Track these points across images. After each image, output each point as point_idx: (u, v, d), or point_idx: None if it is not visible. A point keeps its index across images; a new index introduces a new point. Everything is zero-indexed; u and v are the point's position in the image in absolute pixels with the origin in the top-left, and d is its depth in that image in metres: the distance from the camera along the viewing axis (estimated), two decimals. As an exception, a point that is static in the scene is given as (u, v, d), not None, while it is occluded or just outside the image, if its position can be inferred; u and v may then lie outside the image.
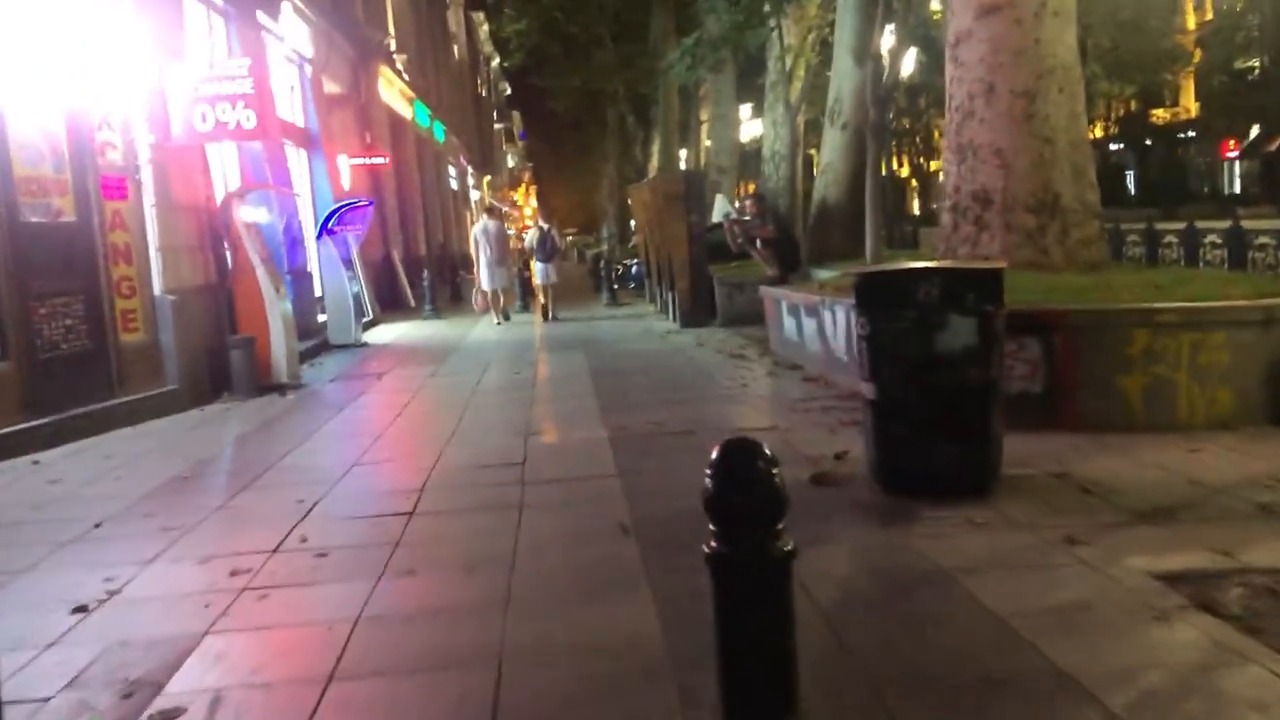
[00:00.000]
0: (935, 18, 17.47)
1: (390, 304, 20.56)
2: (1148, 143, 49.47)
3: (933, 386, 4.82)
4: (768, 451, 2.51)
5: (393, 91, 24.91)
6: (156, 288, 9.32)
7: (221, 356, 9.98)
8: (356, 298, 14.83)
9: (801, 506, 5.09)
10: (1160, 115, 48.74)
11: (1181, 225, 13.97)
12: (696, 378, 9.31)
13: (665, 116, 31.23)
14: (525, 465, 6.11)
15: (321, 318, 14.97)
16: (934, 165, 57.74)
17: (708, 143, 28.00)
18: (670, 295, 14.58)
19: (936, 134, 55.34)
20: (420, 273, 20.75)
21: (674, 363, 10.36)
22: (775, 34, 16.44)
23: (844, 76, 14.93)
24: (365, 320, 17.09)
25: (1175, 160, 48.94)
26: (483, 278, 16.69)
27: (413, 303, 20.88)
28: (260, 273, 10.27)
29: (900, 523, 4.56)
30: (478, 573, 4.24)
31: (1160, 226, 14.42)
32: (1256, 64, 41.89)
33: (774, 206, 14.18)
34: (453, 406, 8.57)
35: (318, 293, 15.30)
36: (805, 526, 4.60)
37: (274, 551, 4.73)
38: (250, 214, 10.61)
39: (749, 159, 28.05)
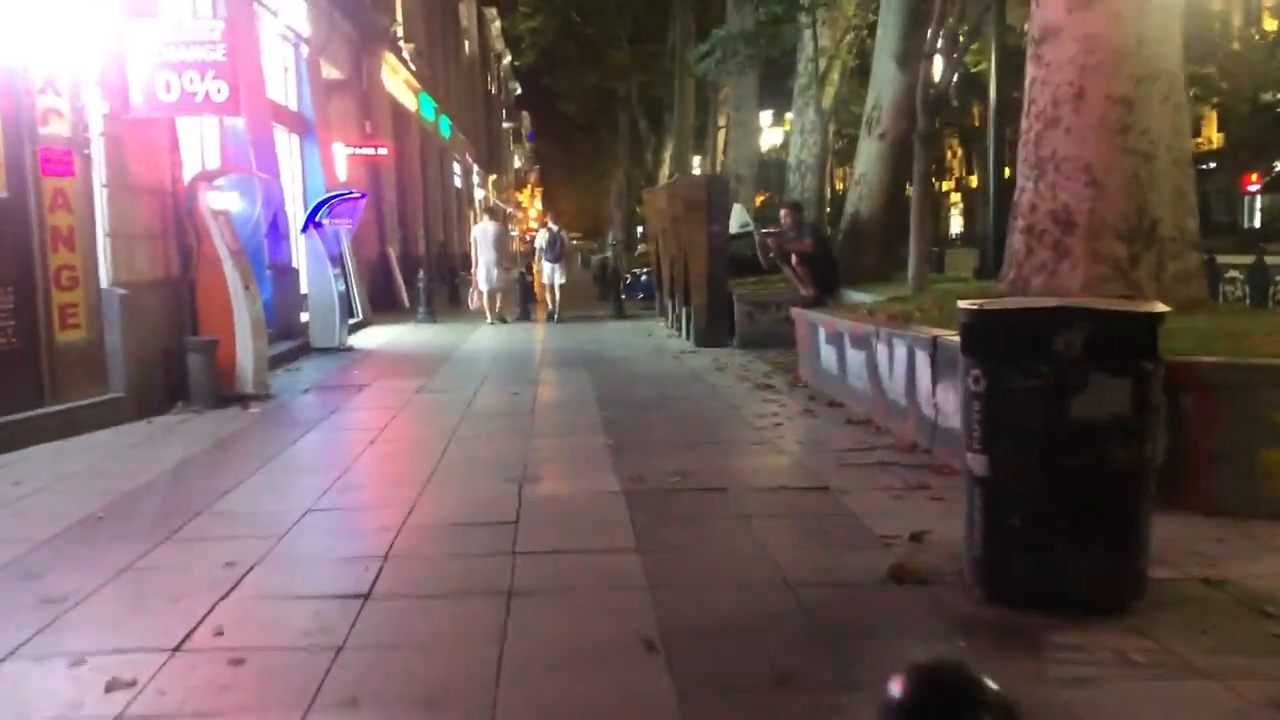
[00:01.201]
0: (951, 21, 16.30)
1: (384, 305, 19.37)
2: (1169, 172, 48.26)
3: (1069, 467, 3.61)
4: (991, 685, 1.29)
5: (397, 80, 23.73)
6: (104, 279, 8.10)
7: (178, 360, 8.76)
8: (343, 297, 13.60)
9: (882, 617, 3.68)
10: (1183, 145, 47.53)
11: (1248, 260, 12.80)
12: (720, 412, 8.09)
13: (680, 122, 30.04)
14: (519, 526, 4.89)
15: (305, 317, 13.75)
16: (945, 185, 56.58)
17: (722, 155, 26.87)
18: (684, 311, 13.37)
19: (950, 154, 54.14)
20: (417, 272, 19.55)
21: (692, 391, 9.14)
22: (808, 34, 15.25)
23: (884, 82, 13.74)
24: (354, 322, 15.91)
25: (1197, 192, 47.81)
26: (480, 278, 16.86)
27: (408, 304, 19.68)
28: (227, 267, 9.05)
29: (1026, 655, 3.34)
30: (443, 713, 3.02)
31: (1222, 260, 13.22)
32: (1285, 98, 40.82)
33: (811, 219, 12.98)
34: (437, 434, 7.35)
35: (303, 290, 14.09)
36: (892, 652, 3.40)
37: (175, 650, 3.50)
38: (220, 200, 9.39)
39: (767, 169, 26.87)
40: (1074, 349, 3.61)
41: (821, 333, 8.64)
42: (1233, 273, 12.91)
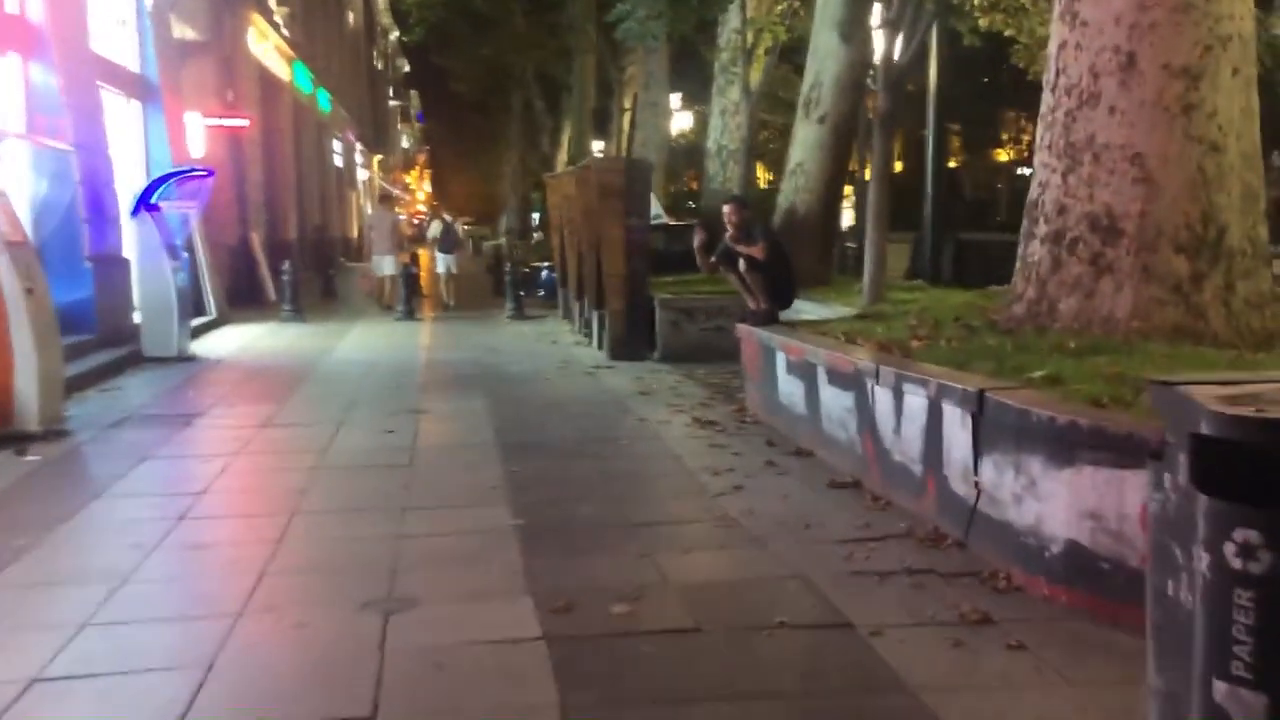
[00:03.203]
0: None
1: (246, 299, 16.98)
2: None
3: None
4: None
5: (267, 46, 21.19)
6: None
7: (-69, 389, 6.52)
8: (185, 295, 11.27)
9: None
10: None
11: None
12: (659, 465, 6.25)
13: (580, 103, 28.12)
14: (375, 729, 2.96)
15: (138, 319, 11.40)
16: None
17: (627, 140, 24.96)
18: (596, 316, 11.50)
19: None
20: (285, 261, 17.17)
21: (619, 429, 7.26)
22: (735, 2, 13.48)
23: (825, 56, 12.09)
24: (205, 321, 13.58)
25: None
26: (374, 265, 17.14)
27: (274, 297, 17.31)
28: (1, 263, 6.81)
29: None
30: None
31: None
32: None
33: (761, 217, 11.21)
34: (276, 504, 5.34)
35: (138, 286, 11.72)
36: None
37: None
38: (-8, 175, 7.13)
39: (674, 156, 25.14)
40: None
41: (780, 359, 6.87)
42: None
